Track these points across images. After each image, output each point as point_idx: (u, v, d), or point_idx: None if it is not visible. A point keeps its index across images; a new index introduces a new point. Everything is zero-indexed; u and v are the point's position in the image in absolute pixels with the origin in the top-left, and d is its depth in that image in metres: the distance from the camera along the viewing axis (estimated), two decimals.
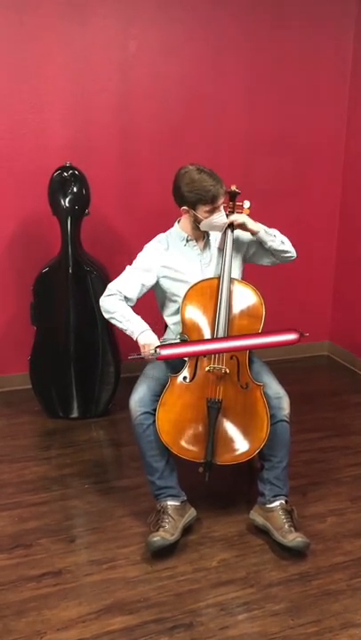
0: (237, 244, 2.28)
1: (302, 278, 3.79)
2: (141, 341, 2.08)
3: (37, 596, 1.88)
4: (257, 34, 3.33)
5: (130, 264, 2.27)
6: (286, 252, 2.27)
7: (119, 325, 2.16)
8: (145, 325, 2.12)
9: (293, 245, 2.32)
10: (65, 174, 2.85)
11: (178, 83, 3.28)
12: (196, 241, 2.27)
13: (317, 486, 2.47)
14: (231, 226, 2.21)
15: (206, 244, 2.28)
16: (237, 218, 2.20)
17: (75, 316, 2.94)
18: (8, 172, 3.13)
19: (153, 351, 1.99)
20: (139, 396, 2.12)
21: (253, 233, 2.21)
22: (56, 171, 2.87)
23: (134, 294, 2.20)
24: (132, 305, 2.21)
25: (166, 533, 2.03)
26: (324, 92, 3.55)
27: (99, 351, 3.00)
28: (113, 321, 2.18)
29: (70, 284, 2.91)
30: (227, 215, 2.23)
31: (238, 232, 2.26)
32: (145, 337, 2.08)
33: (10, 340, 3.34)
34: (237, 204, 2.26)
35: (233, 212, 2.25)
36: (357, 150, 3.58)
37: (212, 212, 2.13)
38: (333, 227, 3.83)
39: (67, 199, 2.87)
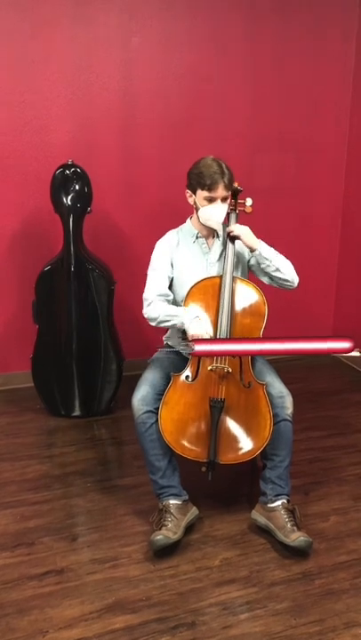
0: (239, 253, 2.27)
1: (305, 276, 3.72)
2: (191, 331, 2.04)
3: (40, 595, 1.88)
4: (260, 31, 3.32)
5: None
6: (283, 280, 2.20)
7: (169, 324, 2.15)
8: (192, 312, 2.09)
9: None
10: (67, 172, 2.85)
11: (180, 80, 3.27)
12: (206, 239, 2.26)
13: (320, 485, 2.47)
14: (232, 236, 2.19)
15: (215, 243, 2.27)
16: (235, 229, 2.16)
17: (77, 314, 2.94)
18: (10, 169, 3.12)
19: (187, 347, 1.96)
20: (141, 395, 2.11)
21: (250, 250, 2.19)
22: (58, 168, 2.86)
23: (167, 289, 2.22)
24: (170, 299, 2.22)
25: (169, 532, 2.03)
26: (328, 88, 3.54)
27: (101, 349, 2.99)
28: (162, 325, 2.17)
29: (72, 281, 2.90)
30: (229, 213, 2.22)
31: (239, 242, 2.23)
32: (194, 326, 2.05)
33: (12, 338, 3.34)
34: (239, 201, 2.25)
35: (235, 210, 2.24)
36: (360, 148, 3.58)
37: (209, 200, 2.12)
38: (336, 223, 3.82)
39: (69, 197, 2.86)
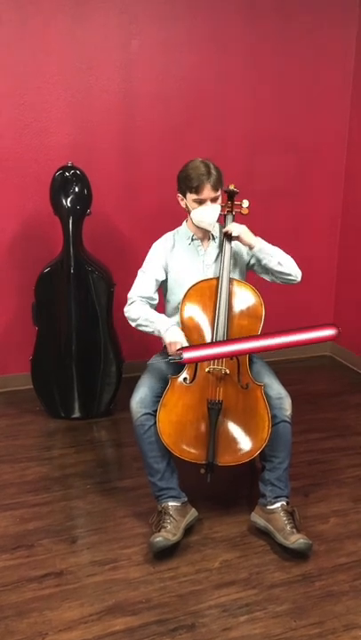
0: (237, 254, 2.27)
1: (304, 278, 3.75)
2: (167, 339, 2.06)
3: (39, 597, 1.88)
4: (260, 33, 3.33)
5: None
6: (286, 274, 2.20)
7: (146, 330, 2.17)
8: (169, 322, 2.11)
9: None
10: (67, 174, 2.85)
11: (180, 82, 3.27)
12: (201, 241, 2.27)
13: (320, 487, 2.47)
14: (229, 235, 2.19)
15: (210, 245, 2.27)
16: (232, 229, 2.16)
17: (76, 316, 2.94)
18: (10, 171, 3.13)
19: (176, 357, 1.96)
20: (140, 397, 2.11)
21: (249, 247, 2.19)
22: (58, 170, 2.86)
23: (153, 292, 2.23)
24: (155, 303, 2.24)
25: (168, 534, 2.03)
26: (327, 91, 3.54)
27: (100, 351, 3.00)
28: (140, 328, 2.18)
29: (72, 283, 2.90)
30: (225, 215, 2.22)
31: (237, 242, 2.23)
32: (170, 334, 2.07)
33: (11, 340, 3.34)
34: (236, 203, 2.25)
35: (231, 212, 2.24)
36: (360, 149, 3.57)
37: (199, 203, 2.12)
38: (336, 226, 3.82)
39: (68, 199, 2.86)
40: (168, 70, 3.24)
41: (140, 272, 2.27)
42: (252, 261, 2.27)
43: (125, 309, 2.23)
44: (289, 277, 2.22)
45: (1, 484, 2.50)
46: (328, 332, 1.93)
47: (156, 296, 2.26)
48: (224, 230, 2.19)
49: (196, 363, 2.07)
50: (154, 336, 2.18)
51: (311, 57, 3.46)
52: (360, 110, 3.54)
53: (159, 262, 2.25)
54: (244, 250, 2.27)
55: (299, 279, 2.24)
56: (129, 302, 2.23)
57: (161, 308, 2.32)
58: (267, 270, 2.23)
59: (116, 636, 1.73)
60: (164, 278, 2.26)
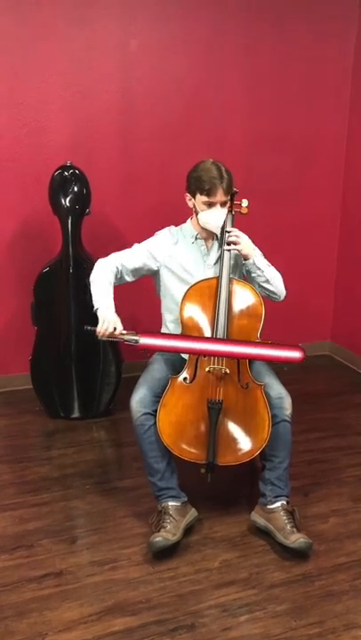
0: (237, 255, 2.25)
1: (304, 278, 3.78)
2: (100, 315, 2.06)
3: (39, 597, 1.87)
4: (258, 32, 3.32)
5: None
6: (270, 291, 2.20)
7: (92, 292, 2.16)
8: (110, 303, 2.11)
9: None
10: (65, 173, 2.85)
11: (178, 82, 3.27)
12: (205, 240, 2.26)
13: (319, 487, 2.46)
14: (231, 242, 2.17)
15: (213, 245, 2.27)
16: (238, 238, 2.14)
17: (75, 316, 2.93)
18: (9, 171, 3.12)
19: (133, 338, 1.99)
20: (139, 397, 2.11)
21: (244, 258, 2.18)
22: (57, 170, 2.86)
23: (134, 271, 2.24)
24: (128, 280, 2.25)
25: (168, 534, 2.02)
26: (326, 90, 3.54)
27: (100, 351, 2.99)
28: (91, 286, 2.18)
29: (71, 283, 2.90)
30: (228, 215, 2.22)
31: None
32: (103, 312, 2.07)
33: (11, 340, 3.34)
34: (235, 202, 2.25)
35: (231, 212, 2.23)
36: (359, 150, 3.57)
37: (208, 205, 2.12)
38: (335, 226, 3.82)
39: (67, 198, 2.86)
40: (167, 70, 3.24)
41: (136, 245, 2.28)
42: (244, 269, 2.26)
43: (98, 262, 2.23)
44: (273, 295, 2.23)
45: (0, 485, 2.49)
46: (295, 354, 1.99)
47: (132, 277, 2.26)
48: (229, 240, 2.15)
49: (197, 359, 2.08)
50: None
51: (310, 57, 3.46)
52: (359, 109, 3.54)
53: (156, 252, 2.24)
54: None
55: (282, 298, 2.27)
56: (105, 259, 2.23)
57: (158, 305, 2.31)
58: (254, 281, 2.23)
59: (116, 636, 1.73)
60: (152, 269, 2.26)
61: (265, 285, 2.19)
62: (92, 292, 2.17)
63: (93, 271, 2.22)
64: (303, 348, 2.00)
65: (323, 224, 3.79)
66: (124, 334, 2.02)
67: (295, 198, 3.66)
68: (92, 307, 2.11)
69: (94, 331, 2.04)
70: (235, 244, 2.13)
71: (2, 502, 2.37)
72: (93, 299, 2.15)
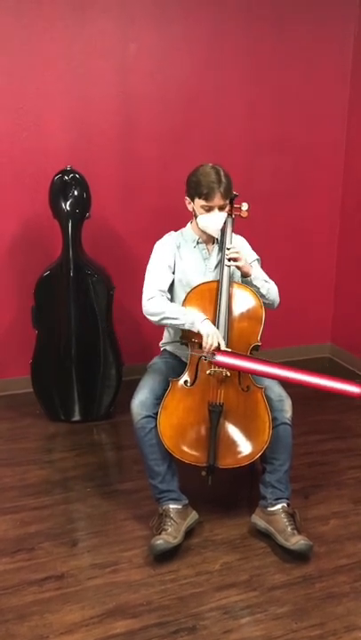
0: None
1: (303, 280, 3.79)
2: (204, 330, 2.01)
3: (40, 600, 1.88)
4: (257, 35, 3.33)
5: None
6: (264, 302, 2.20)
7: (174, 323, 2.09)
8: (202, 315, 2.07)
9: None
10: (66, 178, 2.86)
11: (178, 85, 3.28)
12: (206, 244, 2.27)
13: (320, 489, 2.47)
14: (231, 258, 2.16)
15: (214, 249, 2.27)
16: (232, 253, 2.13)
17: (76, 319, 2.94)
18: (9, 175, 3.13)
19: (210, 355, 1.96)
20: (140, 400, 2.12)
21: (244, 275, 2.18)
22: (57, 174, 2.87)
23: (167, 287, 2.20)
24: (169, 297, 2.21)
25: (169, 536, 2.03)
26: (325, 92, 3.55)
27: (100, 354, 3.00)
28: (165, 321, 2.11)
29: (71, 287, 2.91)
30: (228, 218, 2.22)
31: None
32: (207, 325, 2.03)
33: (11, 343, 3.34)
34: (235, 206, 2.26)
35: (231, 215, 2.24)
36: (358, 151, 3.58)
37: (207, 210, 2.13)
38: (334, 228, 3.83)
39: (67, 202, 2.87)
40: (166, 73, 3.25)
41: (151, 268, 2.22)
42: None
43: (145, 305, 2.15)
44: (267, 305, 2.22)
45: (1, 488, 2.50)
46: (354, 389, 1.97)
47: (169, 295, 2.22)
48: (229, 256, 2.13)
49: (198, 361, 2.08)
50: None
51: (309, 58, 3.47)
52: (358, 111, 3.55)
53: (167, 260, 2.23)
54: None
55: (275, 307, 2.28)
56: (147, 298, 2.15)
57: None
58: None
59: (117, 638, 1.73)
60: (173, 276, 2.24)
61: (260, 298, 2.19)
62: (175, 322, 2.09)
63: (152, 314, 2.12)
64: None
65: (322, 226, 3.80)
66: (228, 350, 1.98)
67: (294, 200, 3.67)
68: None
69: (205, 357, 1.99)
70: (235, 260, 2.13)
71: (3, 505, 2.37)
72: (183, 324, 2.07)
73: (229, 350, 2.02)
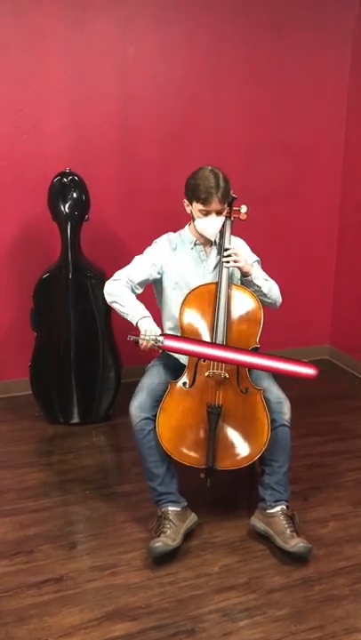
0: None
1: (302, 282, 3.80)
2: (142, 327, 2.05)
3: (39, 603, 1.87)
4: (256, 37, 3.34)
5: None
6: (267, 302, 2.22)
7: (120, 310, 2.15)
8: (147, 312, 2.11)
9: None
10: (65, 180, 2.86)
11: (177, 87, 3.29)
12: (204, 246, 2.27)
13: (319, 491, 2.47)
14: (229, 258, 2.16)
15: (212, 251, 2.28)
16: (232, 256, 2.13)
17: (75, 322, 2.94)
18: (9, 177, 3.14)
19: (157, 338, 1.98)
20: (139, 402, 2.12)
21: (244, 275, 2.18)
22: (56, 176, 2.87)
23: (141, 283, 2.23)
24: (137, 294, 2.23)
25: (168, 539, 2.02)
26: (324, 94, 3.56)
27: (99, 356, 3.00)
28: (115, 305, 2.18)
29: (70, 289, 2.91)
30: (224, 220, 2.21)
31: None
32: (145, 322, 2.07)
33: (10, 345, 3.34)
34: (234, 208, 2.26)
35: (230, 218, 2.24)
36: (356, 153, 3.59)
37: (205, 214, 2.13)
38: (333, 230, 3.83)
39: (66, 205, 2.87)
40: (166, 76, 3.25)
41: (137, 257, 2.27)
42: (242, 278, 2.26)
43: (108, 283, 2.22)
44: (269, 304, 2.24)
45: (0, 490, 2.50)
46: (309, 371, 2.00)
47: (141, 290, 2.25)
48: (228, 259, 2.13)
49: (196, 364, 2.08)
50: None
51: (308, 62, 3.48)
52: (357, 112, 3.56)
53: (156, 260, 2.25)
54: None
55: (277, 306, 2.28)
56: (114, 278, 2.22)
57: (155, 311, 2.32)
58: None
59: None
60: (155, 278, 2.26)
61: (261, 298, 2.19)
62: (120, 310, 2.15)
63: (108, 293, 2.20)
64: (316, 365, 2.01)
65: (321, 227, 3.80)
66: (160, 341, 2.00)
67: (293, 202, 3.67)
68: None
69: (137, 341, 2.02)
70: (234, 261, 2.13)
71: (2, 508, 2.37)
72: (125, 314, 2.13)
73: (176, 335, 2.05)
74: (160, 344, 1.98)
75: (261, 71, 3.41)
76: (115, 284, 2.20)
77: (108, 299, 2.20)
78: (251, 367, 2.06)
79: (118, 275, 2.22)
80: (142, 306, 2.14)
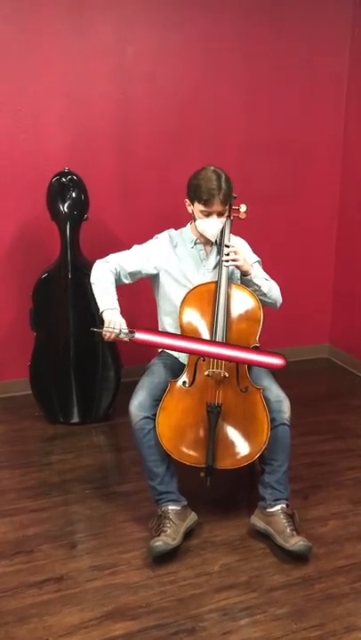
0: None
1: (302, 281, 3.80)
2: (106, 317, 2.07)
3: (39, 603, 1.87)
4: (254, 38, 3.34)
5: None
6: (267, 303, 2.22)
7: (95, 294, 2.17)
8: (115, 304, 2.12)
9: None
10: (63, 180, 2.86)
11: (175, 87, 3.29)
12: (204, 245, 2.27)
13: (319, 489, 2.47)
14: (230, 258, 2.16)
15: (213, 250, 2.28)
16: (231, 255, 2.13)
17: (74, 322, 2.94)
18: (7, 177, 3.14)
19: (127, 332, 1.99)
20: (138, 401, 2.12)
21: (244, 274, 2.18)
22: (55, 176, 2.87)
23: (132, 274, 2.24)
24: (126, 282, 2.25)
25: (168, 538, 2.02)
26: (322, 94, 3.56)
27: (98, 356, 3.00)
28: (93, 287, 2.19)
29: (70, 289, 2.91)
30: (227, 220, 2.22)
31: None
32: (110, 314, 2.08)
33: (10, 345, 3.34)
34: (234, 208, 2.26)
35: (229, 217, 2.24)
36: (355, 152, 3.59)
37: (206, 215, 2.13)
38: (332, 229, 3.84)
39: (65, 204, 2.87)
40: (164, 76, 3.25)
41: (136, 246, 2.29)
42: (242, 277, 2.26)
43: (97, 262, 2.23)
44: (269, 304, 2.24)
45: (0, 490, 2.49)
46: (276, 361, 2.01)
47: (130, 279, 2.26)
48: (227, 257, 2.13)
49: (196, 363, 2.09)
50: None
51: (306, 62, 3.48)
52: (355, 112, 3.56)
53: (154, 256, 2.25)
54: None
55: (278, 307, 2.29)
56: (105, 260, 2.23)
57: (152, 307, 2.31)
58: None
59: None
60: (149, 273, 2.27)
61: (261, 298, 2.19)
62: (95, 294, 2.17)
63: (93, 272, 2.22)
64: (284, 356, 2.02)
65: (320, 227, 3.80)
66: (126, 334, 2.01)
67: (293, 202, 3.67)
68: (94, 314, 2.11)
69: (100, 333, 2.04)
70: (233, 260, 2.13)
71: (2, 508, 2.37)
72: (97, 300, 2.15)
73: (147, 329, 2.06)
74: (129, 337, 1.99)
75: (260, 71, 3.41)
76: (102, 266, 2.21)
77: (91, 279, 2.21)
78: (219, 358, 2.04)
79: (110, 257, 2.24)
80: (114, 297, 2.15)
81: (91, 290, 2.84)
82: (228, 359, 2.04)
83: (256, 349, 2.06)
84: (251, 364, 2.09)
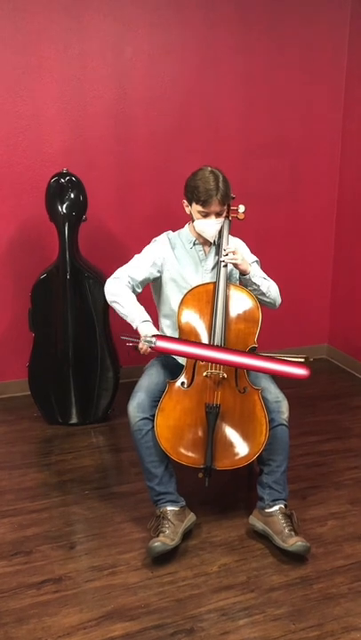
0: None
1: (300, 281, 3.80)
2: (142, 331, 2.06)
3: (38, 604, 1.87)
4: (252, 37, 3.35)
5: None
6: (266, 302, 2.23)
7: (121, 311, 2.15)
8: (147, 316, 2.12)
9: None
10: (62, 180, 2.86)
11: (174, 87, 3.29)
12: (203, 246, 2.28)
13: (317, 490, 2.47)
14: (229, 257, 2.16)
15: (211, 250, 2.28)
16: (230, 255, 2.13)
17: (73, 322, 2.94)
18: (5, 178, 3.14)
19: (150, 340, 1.98)
20: (137, 402, 2.12)
21: (242, 273, 2.18)
22: (53, 177, 2.87)
23: (142, 282, 2.23)
24: (138, 291, 2.24)
25: (166, 539, 2.03)
26: (321, 93, 3.56)
27: (97, 357, 3.00)
28: (115, 305, 2.17)
29: (68, 290, 2.91)
30: (225, 220, 2.22)
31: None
32: (146, 327, 2.07)
33: (8, 346, 3.34)
34: (232, 208, 2.26)
35: (228, 217, 2.24)
36: (354, 153, 3.60)
37: (204, 215, 2.13)
38: (330, 229, 3.84)
39: (64, 205, 2.87)
40: (162, 76, 3.26)
41: (137, 256, 2.27)
42: (240, 277, 2.27)
43: (109, 281, 2.21)
44: (268, 305, 2.24)
45: None
46: (300, 372, 1.97)
47: (141, 289, 2.26)
48: (226, 259, 2.13)
49: (195, 364, 2.08)
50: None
51: (304, 61, 3.48)
52: (354, 112, 3.56)
53: (155, 259, 2.25)
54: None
55: (277, 306, 2.29)
56: (114, 276, 2.22)
57: (152, 307, 2.32)
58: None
59: None
60: (154, 277, 2.27)
61: (260, 297, 2.20)
62: (121, 311, 2.15)
63: (108, 291, 2.20)
64: (309, 366, 2.00)
65: (319, 227, 3.81)
66: (152, 342, 1.99)
67: (291, 202, 3.68)
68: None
69: (136, 346, 2.03)
70: (232, 258, 2.13)
71: (0, 508, 2.37)
72: (125, 315, 2.13)
73: (168, 336, 2.05)
74: (152, 344, 1.98)
75: (258, 71, 3.42)
76: (116, 282, 2.20)
77: (109, 298, 2.20)
78: (241, 367, 2.05)
79: (119, 272, 2.23)
80: (142, 308, 2.14)
81: (90, 290, 2.91)
82: (253, 369, 2.02)
83: (276, 358, 2.01)
84: (275, 375, 2.06)
